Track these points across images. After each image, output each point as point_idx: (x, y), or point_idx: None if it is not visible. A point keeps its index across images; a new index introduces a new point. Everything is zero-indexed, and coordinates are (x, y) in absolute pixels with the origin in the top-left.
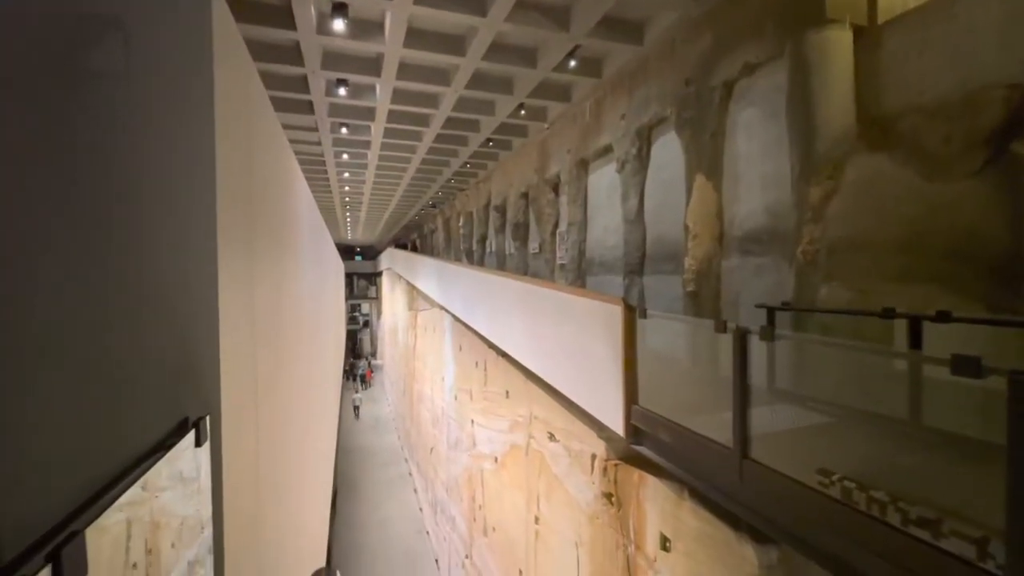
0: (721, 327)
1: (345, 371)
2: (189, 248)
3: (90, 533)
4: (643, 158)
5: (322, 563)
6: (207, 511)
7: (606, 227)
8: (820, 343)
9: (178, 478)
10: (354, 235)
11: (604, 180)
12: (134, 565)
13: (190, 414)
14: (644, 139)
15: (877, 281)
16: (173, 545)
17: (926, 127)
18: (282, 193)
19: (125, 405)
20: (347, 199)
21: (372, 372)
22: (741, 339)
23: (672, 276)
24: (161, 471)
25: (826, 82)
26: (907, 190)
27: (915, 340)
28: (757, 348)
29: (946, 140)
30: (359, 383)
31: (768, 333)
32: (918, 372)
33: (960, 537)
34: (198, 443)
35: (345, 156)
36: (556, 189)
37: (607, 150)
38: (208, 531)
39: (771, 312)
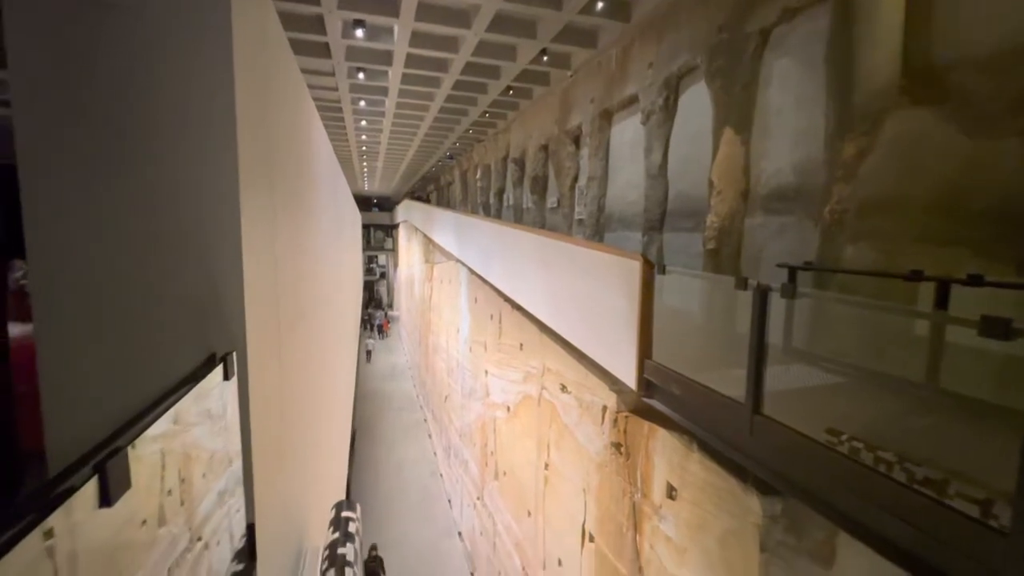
0: (742, 284)
1: (362, 321)
2: (212, 186)
3: (130, 463)
4: (669, 109)
5: (342, 497)
6: (234, 446)
7: (627, 182)
8: (841, 301)
9: (206, 415)
10: (371, 186)
11: (627, 133)
12: (169, 492)
13: (217, 350)
14: (672, 89)
15: (905, 243)
16: (204, 476)
17: (976, 81)
18: (300, 135)
19: (157, 340)
20: (364, 148)
21: (389, 323)
22: (762, 296)
23: (692, 233)
24: (191, 407)
25: (872, 30)
26: (947, 148)
27: (941, 304)
28: (776, 306)
29: (996, 95)
30: (376, 333)
31: (789, 291)
32: (940, 335)
33: (964, 499)
34: (226, 377)
35: (362, 103)
36: (577, 141)
37: (632, 100)
38: (236, 464)
39: (792, 271)
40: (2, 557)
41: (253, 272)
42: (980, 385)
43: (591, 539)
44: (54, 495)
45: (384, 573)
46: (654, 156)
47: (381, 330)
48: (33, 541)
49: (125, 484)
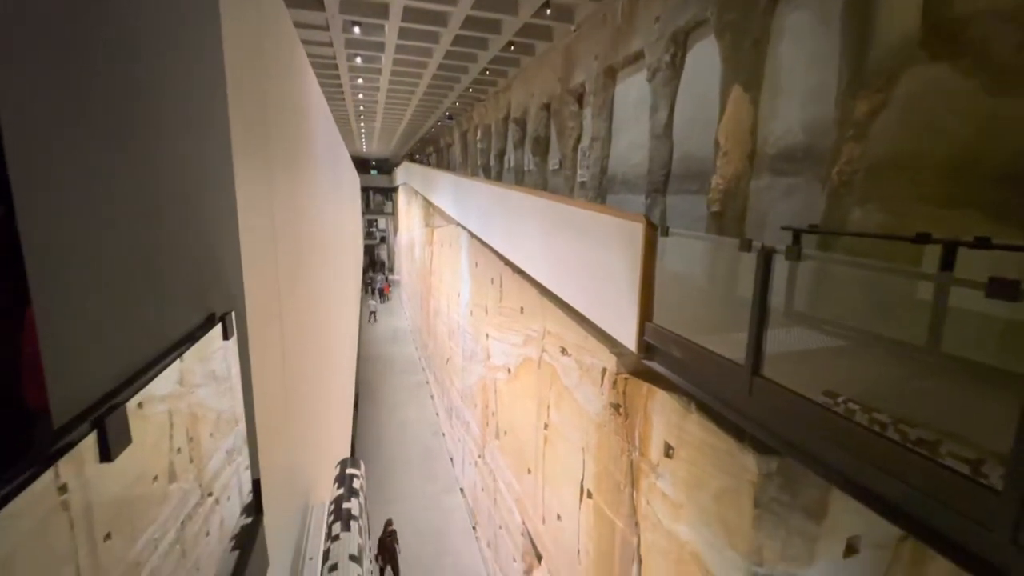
0: (746, 246)
1: (363, 285)
2: (202, 144)
3: (136, 421)
4: (677, 66)
5: (347, 455)
6: (240, 407)
7: (631, 143)
8: (845, 263)
9: (211, 376)
10: (369, 148)
11: (632, 91)
12: (178, 450)
13: (216, 310)
14: (679, 45)
15: (914, 204)
16: (211, 435)
17: (999, 33)
18: (295, 91)
19: (155, 301)
20: (361, 108)
21: (390, 287)
22: (766, 258)
23: (696, 196)
24: (195, 369)
25: None
26: (965, 105)
27: (947, 267)
28: (779, 270)
29: (1020, 48)
30: (377, 296)
31: (794, 253)
32: (944, 297)
33: (957, 459)
34: (225, 336)
35: (358, 60)
36: (580, 100)
37: (638, 57)
38: (242, 424)
39: (797, 234)
40: (5, 506)
41: (249, 232)
42: (981, 349)
43: (589, 495)
44: (54, 450)
45: (399, 546)
46: (659, 115)
47: (382, 294)
48: (47, 495)
49: (125, 440)
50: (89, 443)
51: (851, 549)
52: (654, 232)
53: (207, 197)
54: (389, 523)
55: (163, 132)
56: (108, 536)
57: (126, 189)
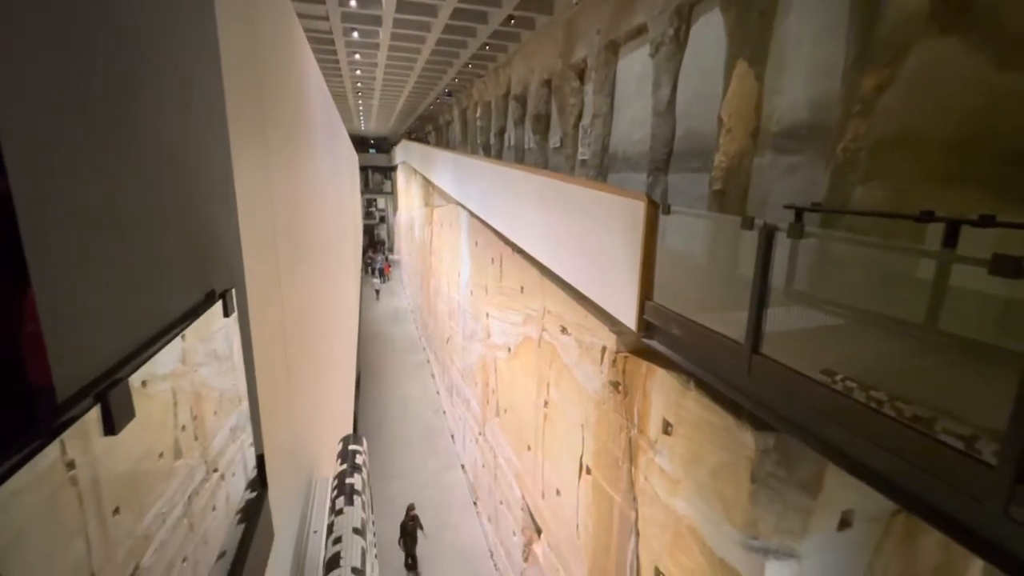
0: (748, 224)
1: (364, 264)
2: (198, 120)
3: (140, 399)
4: (680, 40)
5: (349, 432)
6: (243, 386)
7: (633, 120)
8: (847, 240)
9: (213, 355)
10: (367, 126)
11: (635, 67)
12: (183, 427)
13: (216, 287)
14: (683, 18)
15: (918, 183)
16: (215, 413)
17: (1011, 4)
18: (291, 65)
19: (155, 279)
20: (359, 85)
21: (390, 266)
22: (767, 236)
23: (698, 174)
24: (197, 348)
25: None
26: (975, 80)
27: (950, 244)
28: (780, 248)
29: None
30: (378, 276)
31: (796, 231)
32: (945, 275)
33: (951, 435)
34: (226, 313)
35: (355, 34)
36: (582, 76)
37: (641, 31)
38: (245, 403)
39: (799, 213)
40: (10, 477)
41: (247, 210)
42: (981, 328)
43: (588, 471)
44: (59, 423)
45: (422, 530)
46: (662, 91)
47: (383, 274)
48: (55, 470)
49: (129, 414)
50: (93, 417)
51: (844, 523)
52: (655, 210)
53: (203, 174)
54: (411, 508)
55: (156, 107)
56: (117, 511)
57: (121, 167)
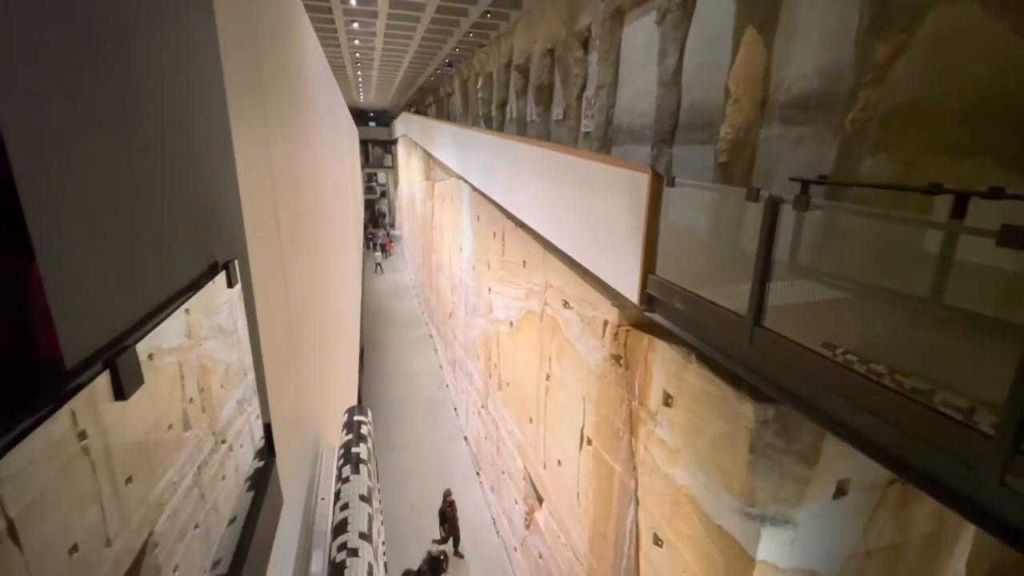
0: (753, 195)
1: (365, 239)
2: (196, 89)
3: (148, 372)
4: (688, 7)
5: (354, 404)
6: (248, 360)
7: (638, 91)
8: (853, 212)
9: (218, 329)
10: (366, 98)
11: (640, 36)
12: (190, 400)
13: (219, 258)
14: None
15: (928, 154)
16: (222, 386)
17: None
18: (288, 36)
19: (158, 252)
20: (357, 55)
21: (391, 242)
22: (773, 208)
23: (704, 146)
24: (202, 322)
25: None
26: (991, 46)
27: (958, 215)
28: (785, 221)
29: None
30: (380, 252)
31: (802, 203)
32: (952, 247)
33: (950, 407)
34: (229, 284)
35: (353, 1)
36: (586, 45)
37: None
38: (251, 377)
39: (805, 185)
40: (24, 439)
41: (248, 183)
42: (986, 301)
43: (589, 442)
44: (69, 388)
45: (457, 517)
46: (668, 61)
47: (384, 249)
48: (68, 441)
49: (138, 379)
50: (103, 384)
51: (840, 491)
52: (659, 183)
53: (202, 146)
54: (448, 493)
55: (154, 78)
56: (129, 480)
57: (120, 139)
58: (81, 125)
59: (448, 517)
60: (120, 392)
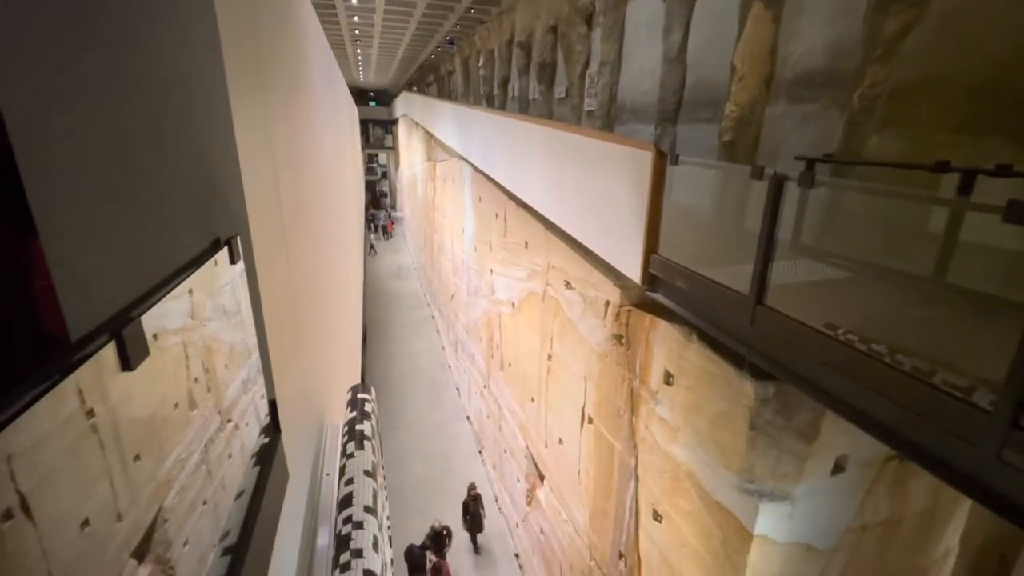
0: (757, 173)
1: (367, 221)
2: (195, 64)
3: (153, 352)
4: None
5: (358, 383)
6: (252, 340)
7: (642, 68)
8: (857, 189)
9: (221, 310)
10: (366, 77)
11: (645, 11)
12: (195, 380)
13: (221, 234)
14: None
15: (936, 131)
16: (226, 366)
17: None
18: (287, 12)
19: (160, 227)
20: (356, 32)
21: (393, 224)
22: (777, 185)
23: (708, 125)
24: (205, 303)
25: None
26: (1006, 19)
27: (964, 191)
28: (789, 200)
29: None
30: (381, 234)
31: (807, 179)
32: (957, 225)
33: (950, 386)
34: (232, 260)
35: None
36: (589, 21)
37: None
38: (255, 356)
39: (811, 164)
40: (35, 404)
41: (249, 159)
42: (991, 280)
43: (590, 421)
44: (77, 358)
45: (483, 511)
46: (673, 37)
47: (386, 231)
48: (76, 419)
49: (143, 351)
50: (109, 355)
51: (838, 468)
52: (663, 161)
53: (202, 121)
54: (472, 487)
55: (152, 52)
56: (138, 457)
57: (119, 115)
58: (81, 102)
59: (471, 511)
60: (127, 363)
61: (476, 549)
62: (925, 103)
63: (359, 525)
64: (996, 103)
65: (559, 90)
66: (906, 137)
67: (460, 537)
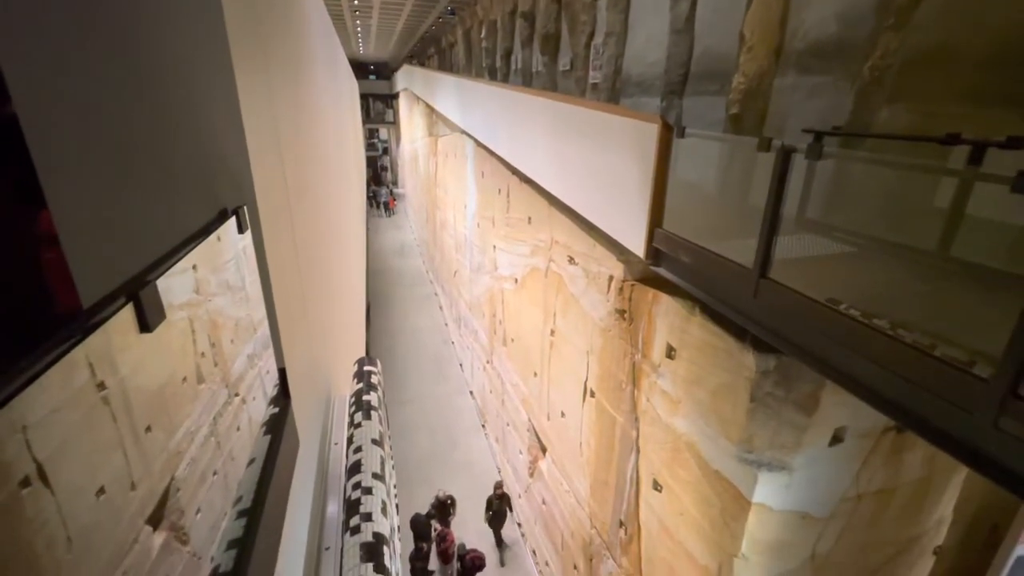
0: (764, 145)
1: (368, 198)
2: (199, 37)
3: (161, 329)
4: None
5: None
6: (257, 315)
7: (648, 38)
8: (865, 161)
9: (225, 286)
10: (366, 50)
11: None
12: (202, 354)
13: (228, 204)
14: None
15: (947, 103)
16: (232, 341)
17: None
18: None
19: (171, 195)
20: (356, 3)
21: (395, 200)
22: (784, 157)
23: (715, 98)
24: (210, 279)
25: None
26: None
27: (974, 163)
28: (796, 172)
29: None
30: (383, 211)
31: (815, 151)
32: (966, 196)
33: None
34: (240, 230)
35: None
36: None
37: None
38: (260, 331)
39: (818, 136)
40: (47, 372)
41: (254, 130)
42: (997, 255)
43: (592, 394)
44: (93, 321)
45: (510, 510)
46: (681, 5)
47: (387, 208)
48: (88, 391)
49: (160, 313)
50: (127, 316)
51: (836, 439)
52: (669, 133)
53: (208, 93)
54: (499, 485)
55: (157, 27)
56: (149, 428)
57: (124, 86)
58: (85, 71)
59: (495, 509)
60: (145, 325)
61: (499, 543)
62: (937, 74)
63: (368, 491)
64: (1009, 74)
65: (563, 62)
66: (916, 110)
67: (485, 536)
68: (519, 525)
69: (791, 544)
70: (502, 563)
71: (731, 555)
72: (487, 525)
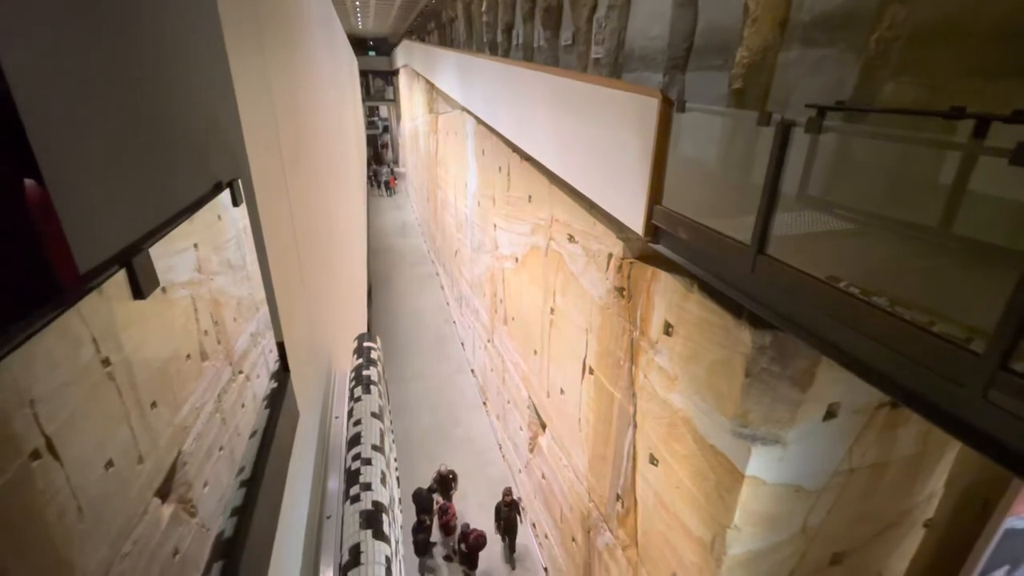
0: (765, 119)
1: (369, 178)
2: (189, 10)
3: (163, 305)
4: None
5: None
6: (259, 295)
7: (651, 11)
8: (867, 135)
9: (227, 265)
10: (365, 25)
11: None
12: (205, 332)
13: (222, 177)
14: None
15: (954, 76)
16: (235, 320)
17: None
18: None
19: (163, 166)
20: None
21: (395, 179)
22: (784, 131)
23: (718, 73)
24: (211, 258)
25: None
26: None
27: (979, 136)
28: (796, 147)
29: None
30: (384, 190)
31: (816, 125)
32: (969, 169)
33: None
34: (235, 203)
35: None
36: None
37: None
38: (263, 311)
39: (821, 112)
40: (43, 329)
41: (247, 103)
42: (996, 231)
43: (591, 371)
44: (88, 287)
45: (520, 517)
46: None
47: (388, 187)
48: (93, 367)
49: (153, 280)
50: (121, 281)
51: (830, 414)
52: (669, 108)
53: (198, 62)
54: (508, 492)
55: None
56: (154, 404)
57: (116, 57)
58: (77, 46)
59: (504, 518)
60: (139, 291)
61: (512, 549)
62: (944, 46)
63: (367, 461)
64: (1017, 45)
65: (565, 36)
66: (922, 84)
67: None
68: (519, 499)
69: (783, 516)
70: (512, 567)
71: (724, 526)
72: (497, 532)
